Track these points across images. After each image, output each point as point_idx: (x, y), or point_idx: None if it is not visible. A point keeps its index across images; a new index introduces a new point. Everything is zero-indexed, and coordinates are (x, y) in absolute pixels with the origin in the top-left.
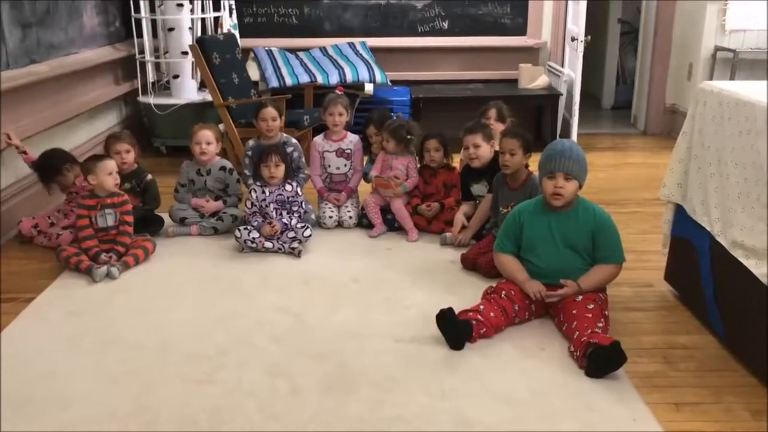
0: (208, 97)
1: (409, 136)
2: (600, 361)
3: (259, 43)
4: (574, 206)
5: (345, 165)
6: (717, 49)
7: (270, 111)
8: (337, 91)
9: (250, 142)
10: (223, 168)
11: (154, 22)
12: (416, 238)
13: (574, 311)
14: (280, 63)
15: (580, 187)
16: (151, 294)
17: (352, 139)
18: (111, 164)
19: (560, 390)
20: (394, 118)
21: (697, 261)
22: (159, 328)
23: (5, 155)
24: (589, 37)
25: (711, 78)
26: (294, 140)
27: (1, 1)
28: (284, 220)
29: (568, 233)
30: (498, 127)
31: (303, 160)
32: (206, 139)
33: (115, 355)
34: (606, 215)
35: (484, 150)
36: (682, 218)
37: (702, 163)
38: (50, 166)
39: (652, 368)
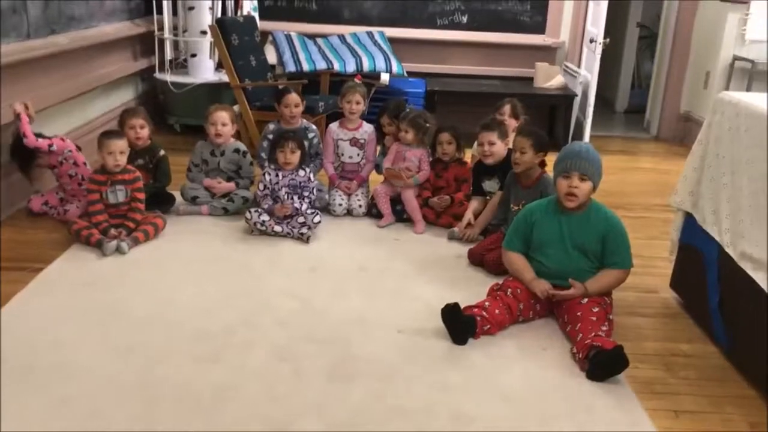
0: (225, 78)
1: (427, 124)
2: (602, 364)
3: (278, 27)
4: (586, 209)
5: (358, 154)
6: (735, 58)
7: (293, 97)
8: (356, 80)
9: (271, 126)
10: (237, 150)
11: (174, 0)
12: (423, 231)
13: (579, 313)
14: (298, 48)
15: (594, 189)
16: (160, 271)
17: (366, 129)
18: (115, 144)
19: (560, 391)
20: (408, 110)
21: (704, 270)
22: (166, 305)
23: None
24: (608, 40)
25: (727, 87)
26: (314, 127)
27: None
28: (295, 205)
29: (578, 235)
30: (512, 124)
31: (322, 146)
32: (222, 121)
33: (121, 330)
34: (617, 220)
35: (498, 147)
36: (691, 226)
37: (715, 173)
38: (25, 150)
39: (652, 374)
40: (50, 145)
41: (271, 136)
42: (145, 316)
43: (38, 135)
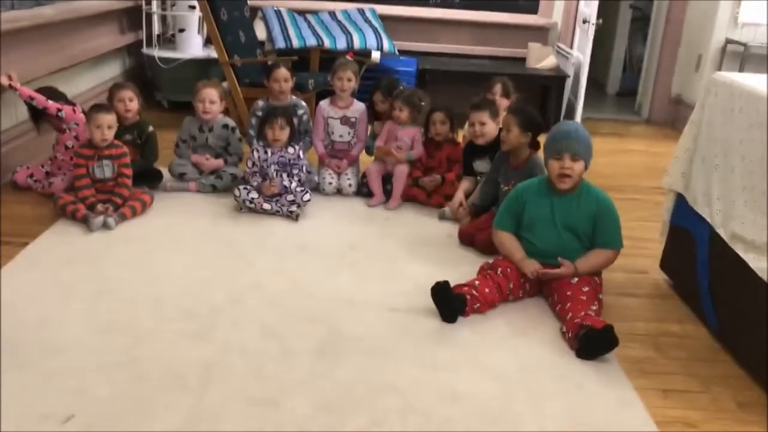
0: (213, 54)
1: (422, 102)
2: (592, 343)
3: (267, 3)
4: (578, 189)
5: (349, 133)
6: (728, 41)
7: (283, 72)
8: (348, 57)
9: (260, 102)
10: (225, 126)
11: None
12: (394, 207)
13: (569, 293)
14: (288, 24)
15: (586, 167)
16: (147, 247)
17: (358, 107)
18: (104, 118)
19: (550, 369)
20: (401, 88)
21: (694, 251)
22: (153, 282)
23: (4, 97)
24: (600, 21)
25: (719, 70)
26: (304, 103)
27: None
28: (284, 183)
29: (569, 216)
30: (503, 103)
31: (311, 123)
32: (210, 98)
33: (107, 306)
34: (608, 200)
35: (489, 127)
36: (682, 207)
37: (708, 154)
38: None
39: (642, 354)
40: (59, 110)
41: (259, 113)
42: (132, 294)
43: (60, 95)
